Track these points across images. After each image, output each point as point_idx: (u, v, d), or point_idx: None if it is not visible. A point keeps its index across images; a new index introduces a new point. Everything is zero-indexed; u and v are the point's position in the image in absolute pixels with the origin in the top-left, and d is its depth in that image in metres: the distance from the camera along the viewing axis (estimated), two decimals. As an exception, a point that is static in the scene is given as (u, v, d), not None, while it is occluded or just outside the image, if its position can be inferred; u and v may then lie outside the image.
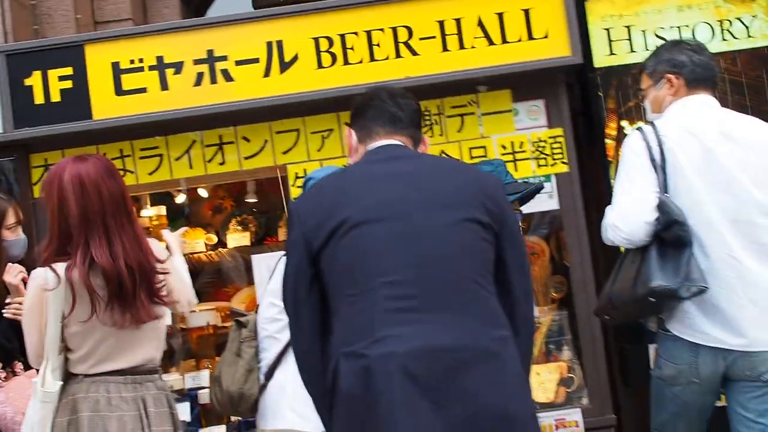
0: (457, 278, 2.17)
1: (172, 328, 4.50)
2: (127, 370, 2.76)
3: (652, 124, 2.96)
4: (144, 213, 4.93)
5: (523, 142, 4.06)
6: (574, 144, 4.05)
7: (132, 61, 3.98)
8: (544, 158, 4.04)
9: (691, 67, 2.99)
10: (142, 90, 3.97)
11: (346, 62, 3.96)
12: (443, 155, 4.05)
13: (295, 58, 3.96)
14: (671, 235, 2.78)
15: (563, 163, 4.03)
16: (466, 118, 4.10)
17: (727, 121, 2.93)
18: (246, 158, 4.12)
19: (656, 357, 3.02)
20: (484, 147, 4.07)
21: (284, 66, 3.96)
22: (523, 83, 4.04)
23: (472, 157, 4.05)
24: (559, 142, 4.03)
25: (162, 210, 5.06)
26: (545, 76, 4.01)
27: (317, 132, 4.11)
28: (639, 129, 2.98)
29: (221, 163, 4.13)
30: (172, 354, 4.55)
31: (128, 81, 3.97)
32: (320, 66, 3.96)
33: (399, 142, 2.40)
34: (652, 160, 2.86)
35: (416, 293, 2.13)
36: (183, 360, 4.66)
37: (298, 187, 4.06)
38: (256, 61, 3.97)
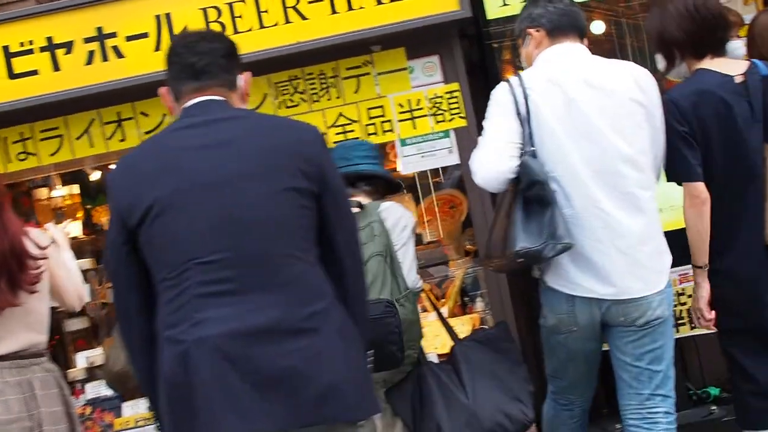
0: (273, 255, 2.14)
1: (94, 304, 4.57)
2: (8, 356, 2.81)
3: (518, 75, 2.96)
4: (54, 193, 4.93)
5: (420, 99, 4.07)
6: (472, 98, 4.06)
7: (22, 44, 3.97)
8: (442, 114, 4.06)
9: (548, 17, 2.98)
10: (34, 72, 3.96)
11: (235, 31, 3.93)
12: (342, 118, 4.08)
13: (184, 30, 3.94)
14: (533, 195, 2.80)
15: (461, 117, 4.05)
16: (362, 78, 4.10)
17: (591, 68, 2.92)
18: (146, 133, 4.11)
19: (542, 306, 3.07)
20: (381, 107, 4.08)
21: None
22: (416, 40, 4.04)
23: (370, 118, 4.08)
24: (456, 97, 4.05)
25: (75, 189, 5.05)
26: (438, 32, 4.01)
27: (215, 102, 4.09)
28: (506, 80, 2.98)
29: (122, 140, 4.13)
30: (96, 329, 4.60)
31: (19, 64, 3.96)
32: (212, 37, 3.94)
33: (211, 97, 2.28)
34: (518, 112, 2.87)
35: (232, 275, 2.11)
36: (107, 336, 4.71)
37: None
38: (145, 35, 3.96)
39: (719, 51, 3.13)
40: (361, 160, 3.36)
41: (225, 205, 2.14)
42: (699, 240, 3.00)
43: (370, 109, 4.09)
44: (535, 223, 2.79)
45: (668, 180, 3.11)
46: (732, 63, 3.13)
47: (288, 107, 4.09)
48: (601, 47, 4.15)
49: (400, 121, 4.07)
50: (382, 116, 4.07)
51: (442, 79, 4.07)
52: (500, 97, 2.95)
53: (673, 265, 2.97)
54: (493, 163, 2.88)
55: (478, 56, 4.32)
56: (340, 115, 4.08)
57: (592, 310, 2.88)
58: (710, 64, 3.11)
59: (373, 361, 2.66)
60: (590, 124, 2.83)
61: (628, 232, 2.83)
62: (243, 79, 2.42)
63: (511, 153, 2.84)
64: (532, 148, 2.85)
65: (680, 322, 3.94)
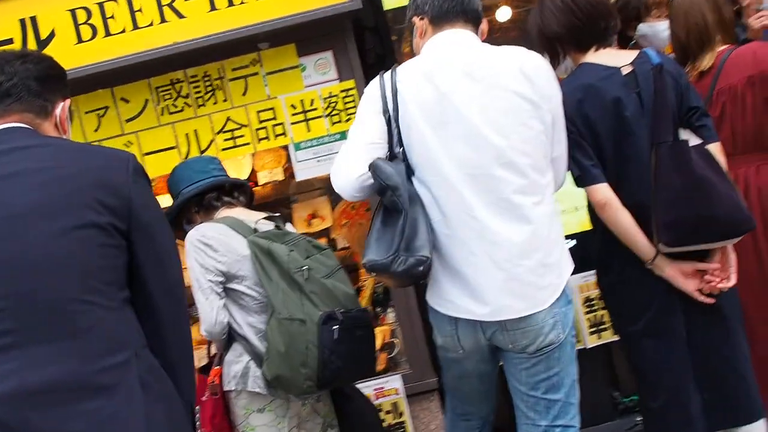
0: (62, 301, 1.83)
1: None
2: None
3: (393, 69, 2.63)
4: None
5: (314, 99, 3.78)
6: (370, 95, 3.76)
7: None
8: (338, 114, 3.77)
9: (431, 3, 2.64)
10: None
11: (107, 33, 3.63)
12: (230, 122, 3.77)
13: (51, 35, 3.64)
14: (387, 202, 2.50)
15: (358, 117, 3.75)
16: (250, 79, 3.79)
17: (473, 59, 2.57)
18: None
19: (433, 323, 2.79)
20: (272, 109, 3.78)
21: (42, 44, 3.63)
22: (307, 36, 3.74)
23: (261, 121, 3.77)
24: (352, 96, 3.75)
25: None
26: (330, 26, 3.71)
27: (92, 111, 3.80)
28: (380, 75, 2.65)
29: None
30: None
31: None
32: (80, 40, 3.64)
33: (14, 124, 2.00)
34: (384, 110, 2.55)
35: (13, 326, 1.80)
36: None
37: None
38: (10, 41, 3.64)
39: (604, 42, 2.84)
40: (219, 172, 3.10)
41: (5, 246, 1.84)
42: (629, 239, 2.72)
43: (260, 111, 3.78)
44: (389, 233, 2.48)
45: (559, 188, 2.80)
46: (619, 54, 2.86)
47: (171, 113, 3.78)
48: (507, 35, 3.87)
49: (293, 123, 3.77)
50: (274, 119, 3.76)
51: (336, 77, 3.78)
52: (368, 93, 2.64)
53: (575, 271, 2.69)
54: (345, 168, 2.57)
55: (382, 50, 4.02)
56: (228, 119, 3.78)
57: (476, 334, 2.56)
58: (595, 56, 2.83)
59: None
60: (465, 122, 2.49)
61: (505, 243, 2.48)
62: (61, 106, 2.12)
63: (370, 156, 2.52)
64: (400, 149, 2.55)
65: (602, 327, 3.68)
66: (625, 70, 2.76)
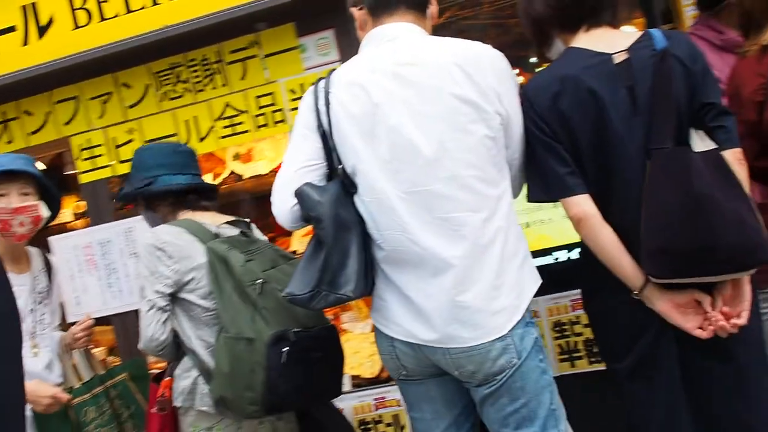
0: None
1: None
2: None
3: (327, 76, 2.35)
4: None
5: (315, 83, 3.50)
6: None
7: None
8: (339, 99, 3.48)
9: None
10: None
11: (102, 18, 3.51)
12: (229, 108, 3.59)
13: (50, 22, 3.57)
14: (316, 232, 2.25)
15: (362, 102, 3.45)
16: (249, 62, 3.57)
17: (408, 58, 2.25)
18: (31, 134, 3.81)
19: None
20: (271, 94, 3.54)
21: (41, 31, 3.57)
22: (306, 14, 3.45)
23: (260, 107, 3.56)
24: (354, 79, 3.44)
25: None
26: (330, 2, 3.40)
27: (96, 97, 3.72)
28: (314, 84, 2.37)
29: (9, 142, 3.84)
30: None
31: None
32: (77, 26, 3.55)
33: None
34: (319, 125, 2.29)
35: None
36: None
37: (84, 159, 3.73)
38: (12, 29, 3.61)
39: (596, 21, 2.36)
40: (197, 169, 2.92)
41: None
42: (611, 263, 2.27)
43: (258, 97, 3.56)
44: (314, 265, 2.24)
45: (530, 200, 2.40)
46: (616, 36, 2.36)
47: (171, 99, 3.63)
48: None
49: (293, 109, 3.52)
50: (273, 104, 3.53)
51: (338, 58, 3.47)
52: (302, 107, 2.37)
53: (565, 288, 2.32)
54: (277, 199, 2.33)
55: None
56: (227, 105, 3.58)
57: (419, 357, 2.31)
58: (585, 38, 2.35)
59: None
60: (397, 134, 2.20)
61: (449, 267, 2.19)
62: None
63: (303, 181, 2.27)
64: (340, 166, 2.28)
65: (576, 355, 3.26)
66: (619, 58, 2.27)
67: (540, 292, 2.97)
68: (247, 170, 4.48)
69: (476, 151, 2.19)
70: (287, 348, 2.53)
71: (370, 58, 2.30)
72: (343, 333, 3.82)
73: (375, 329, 2.42)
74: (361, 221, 2.27)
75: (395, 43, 2.29)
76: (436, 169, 2.18)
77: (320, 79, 2.36)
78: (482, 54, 2.24)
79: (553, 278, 2.99)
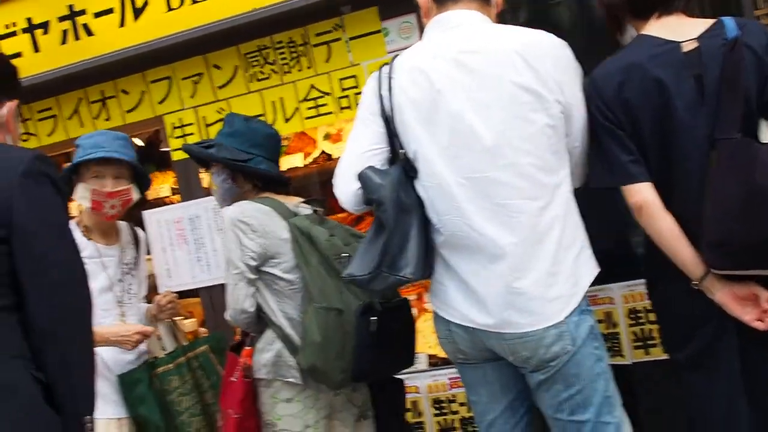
0: None
1: None
2: None
3: (391, 62, 2.40)
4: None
5: (397, 66, 3.53)
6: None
7: (6, 26, 3.95)
8: (421, 82, 3.49)
9: None
10: (18, 55, 3.93)
11: (194, 1, 3.63)
12: (314, 90, 3.66)
13: (145, 4, 3.71)
14: (378, 214, 2.30)
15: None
16: (333, 45, 3.62)
17: (470, 45, 2.26)
18: (127, 112, 3.98)
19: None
20: (354, 76, 3.59)
21: (137, 13, 3.72)
22: (391, -3, 3.49)
23: (343, 89, 3.61)
24: (436, 62, 3.45)
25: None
26: (414, -15, 3.43)
27: (187, 78, 3.85)
28: (378, 70, 2.42)
29: (107, 119, 4.03)
30: None
31: (5, 47, 3.95)
32: (170, 8, 3.68)
33: None
34: (382, 110, 2.33)
35: None
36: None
37: (176, 137, 3.88)
38: (110, 11, 3.77)
39: (668, 8, 2.33)
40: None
41: None
42: (672, 252, 2.27)
43: (342, 79, 3.62)
44: (375, 247, 2.30)
45: (592, 185, 2.40)
46: (688, 24, 2.32)
47: (259, 80, 3.73)
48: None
49: (376, 92, 3.56)
50: (356, 87, 3.58)
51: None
52: (365, 92, 2.44)
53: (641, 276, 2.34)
54: (341, 183, 2.40)
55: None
56: (312, 87, 3.66)
57: (474, 340, 2.36)
58: (656, 26, 2.33)
59: None
60: (458, 121, 2.23)
61: (506, 253, 2.22)
62: (7, 107, 2.13)
63: (364, 165, 2.33)
64: (402, 151, 2.32)
65: (650, 342, 3.20)
66: (688, 46, 2.25)
67: (616, 279, 2.96)
68: (337, 150, 4.57)
69: (536, 140, 2.21)
70: (375, 318, 2.64)
71: (433, 45, 2.33)
72: (424, 312, 3.86)
73: (433, 313, 2.48)
74: (421, 205, 2.31)
75: (458, 30, 2.32)
76: (494, 157, 2.21)
77: (384, 64, 2.41)
78: (543, 42, 2.25)
79: (629, 266, 2.97)
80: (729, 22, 2.26)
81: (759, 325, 2.18)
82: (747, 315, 2.19)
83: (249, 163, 2.86)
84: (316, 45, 3.64)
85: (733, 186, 2.10)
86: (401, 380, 3.04)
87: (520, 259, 2.22)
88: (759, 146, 2.13)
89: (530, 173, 2.21)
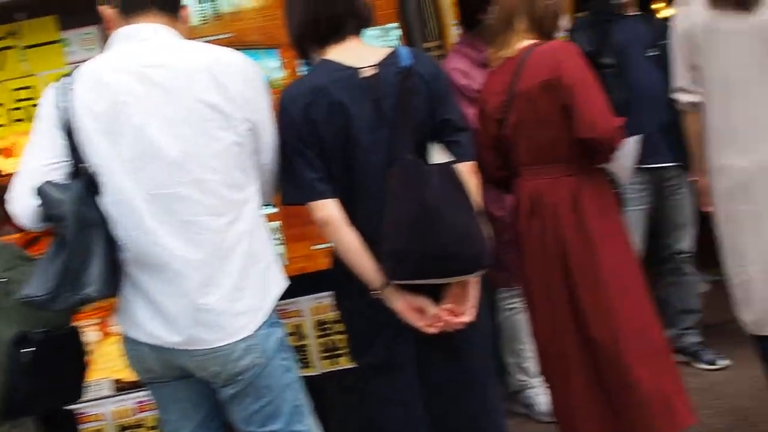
0: None
1: None
2: None
3: (72, 72, 2.30)
4: None
5: (78, 79, 3.38)
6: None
7: None
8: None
9: None
10: None
11: None
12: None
13: None
14: (59, 232, 2.20)
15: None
16: (8, 52, 3.39)
17: (155, 59, 2.25)
18: None
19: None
20: (30, 87, 3.39)
21: None
22: (71, 7, 3.32)
23: (17, 101, 3.40)
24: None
25: None
26: (96, -2, 3.31)
27: None
28: (58, 80, 2.31)
29: None
30: None
31: None
32: None
33: None
34: (62, 122, 2.23)
35: None
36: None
37: None
38: None
39: (341, 36, 2.49)
40: None
41: None
42: (354, 264, 2.42)
43: (17, 89, 3.40)
44: (55, 266, 2.18)
45: (284, 202, 2.55)
46: (367, 51, 2.52)
47: None
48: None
49: (55, 104, 3.37)
50: (32, 99, 3.37)
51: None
52: (44, 102, 2.31)
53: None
54: (17, 197, 2.26)
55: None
56: (-16, 96, 3.39)
57: (162, 357, 2.32)
58: (335, 52, 2.48)
59: None
60: (141, 136, 2.19)
61: (192, 270, 2.23)
62: None
63: (44, 180, 2.21)
64: (83, 165, 2.22)
65: (337, 353, 3.42)
66: (367, 72, 2.43)
67: (305, 292, 3.09)
68: (10, 165, 4.23)
69: (222, 157, 2.25)
70: (30, 348, 2.49)
71: (117, 57, 2.29)
72: (108, 336, 3.71)
73: (122, 333, 2.41)
74: (105, 221, 2.25)
75: (145, 43, 2.29)
76: (180, 173, 2.21)
77: (64, 75, 2.32)
78: (233, 60, 2.31)
79: (317, 279, 3.10)
80: (403, 51, 2.49)
81: (430, 330, 2.39)
82: (419, 321, 2.40)
83: None
84: (-13, 52, 3.38)
85: (406, 203, 2.31)
86: (71, 411, 2.90)
87: (206, 276, 2.24)
88: (428, 167, 2.38)
89: (217, 189, 2.25)
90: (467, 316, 2.43)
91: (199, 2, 3.36)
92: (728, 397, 3.72)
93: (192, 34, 2.52)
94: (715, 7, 2.85)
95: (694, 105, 3.03)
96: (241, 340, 2.27)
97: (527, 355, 3.73)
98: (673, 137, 3.52)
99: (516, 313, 3.73)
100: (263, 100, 2.35)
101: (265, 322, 2.31)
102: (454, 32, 3.92)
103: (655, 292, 3.83)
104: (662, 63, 3.38)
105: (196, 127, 2.21)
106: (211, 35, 3.31)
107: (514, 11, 2.96)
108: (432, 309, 2.40)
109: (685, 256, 4.13)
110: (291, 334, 3.29)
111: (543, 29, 2.97)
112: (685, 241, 4.10)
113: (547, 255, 2.91)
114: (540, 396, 3.77)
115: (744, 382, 3.72)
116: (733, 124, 2.89)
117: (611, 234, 2.91)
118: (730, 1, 2.82)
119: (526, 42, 2.94)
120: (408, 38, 3.48)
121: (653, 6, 4.29)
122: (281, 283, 2.40)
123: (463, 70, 3.50)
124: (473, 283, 2.44)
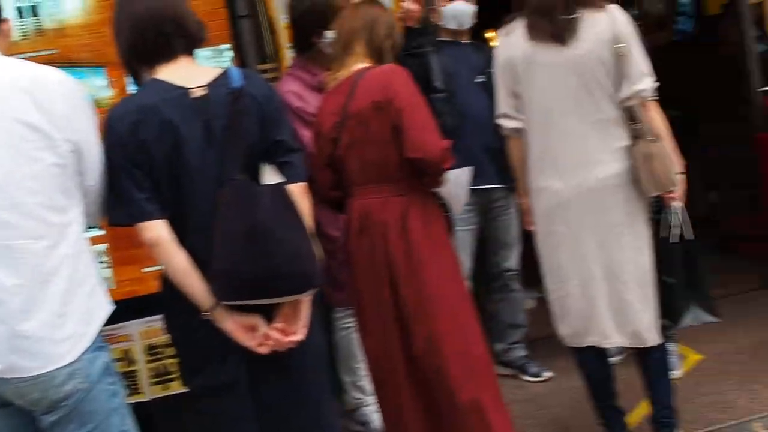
0: None
1: None
2: None
3: None
4: None
5: None
6: None
7: None
8: None
9: None
10: None
11: None
12: None
13: None
14: None
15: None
16: None
17: None
18: None
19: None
20: None
21: None
22: None
23: None
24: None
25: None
26: None
27: None
28: None
29: None
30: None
31: None
32: None
33: None
34: None
35: None
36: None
37: None
38: None
39: (171, 55, 2.46)
40: None
41: None
42: (183, 284, 2.39)
43: None
44: None
45: (110, 223, 2.48)
46: (198, 71, 2.50)
47: None
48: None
49: None
50: None
51: None
52: None
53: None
54: None
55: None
56: None
57: None
58: (166, 71, 2.44)
59: None
60: None
61: (9, 297, 2.13)
62: None
63: None
64: None
65: (169, 377, 3.36)
66: (197, 93, 2.40)
67: (134, 316, 3.00)
68: None
69: (42, 179, 2.18)
70: None
71: None
72: None
73: None
74: None
75: None
76: None
77: None
78: (53, 79, 2.24)
79: (147, 302, 3.02)
80: (235, 72, 2.48)
81: (261, 350, 2.39)
82: (250, 341, 2.39)
83: None
84: None
85: (236, 223, 2.31)
86: None
87: (26, 301, 2.15)
88: (259, 187, 2.38)
89: (36, 212, 2.17)
90: (298, 335, 2.44)
91: (21, 17, 3.23)
92: (550, 407, 3.93)
93: (12, 50, 2.41)
94: (533, 39, 3.05)
95: (517, 131, 3.22)
96: (63, 366, 2.18)
97: (363, 373, 3.78)
98: (500, 160, 3.69)
99: (352, 331, 3.77)
100: (86, 119, 2.29)
101: (90, 347, 2.24)
102: (289, 55, 3.95)
103: (485, 308, 4.02)
104: (489, 89, 3.54)
105: (13, 148, 2.13)
106: (33, 51, 3.19)
107: (353, 35, 3.05)
108: (263, 328, 2.40)
109: (512, 274, 4.34)
110: (119, 359, 3.20)
111: (380, 54, 3.06)
112: (512, 259, 4.32)
113: (376, 273, 2.98)
114: (375, 414, 3.82)
115: (565, 393, 3.93)
116: (552, 151, 3.10)
117: (438, 254, 3.02)
118: (546, 33, 3.02)
119: (361, 65, 3.01)
120: (242, 60, 3.48)
121: (486, 35, 4.50)
122: (106, 308, 2.33)
123: (297, 93, 3.53)
124: (305, 303, 2.46)
